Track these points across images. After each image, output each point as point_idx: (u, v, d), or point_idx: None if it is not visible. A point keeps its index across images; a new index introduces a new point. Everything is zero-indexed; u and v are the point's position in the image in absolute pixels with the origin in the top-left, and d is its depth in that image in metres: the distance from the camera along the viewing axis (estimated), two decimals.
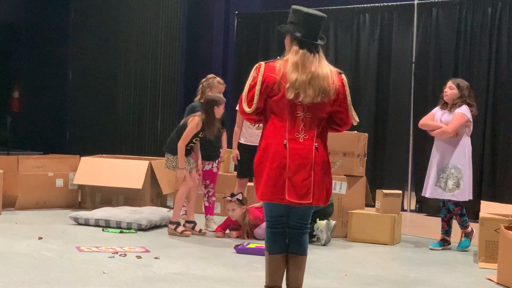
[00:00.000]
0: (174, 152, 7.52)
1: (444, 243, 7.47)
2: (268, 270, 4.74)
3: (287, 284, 4.75)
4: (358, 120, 4.78)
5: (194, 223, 7.75)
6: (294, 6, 4.75)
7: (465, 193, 7.31)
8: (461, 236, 7.45)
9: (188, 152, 7.61)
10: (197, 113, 7.52)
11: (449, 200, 7.35)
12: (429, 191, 7.44)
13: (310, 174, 4.55)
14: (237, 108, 8.21)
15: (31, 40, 15.35)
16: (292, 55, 4.63)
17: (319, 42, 4.70)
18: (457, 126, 7.32)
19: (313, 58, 4.63)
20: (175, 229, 7.56)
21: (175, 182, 9.11)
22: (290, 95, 4.53)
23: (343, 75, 4.74)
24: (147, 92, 12.86)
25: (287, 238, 4.76)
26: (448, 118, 7.43)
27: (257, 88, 4.56)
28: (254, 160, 4.67)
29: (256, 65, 4.66)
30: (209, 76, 8.10)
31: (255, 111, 4.61)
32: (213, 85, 7.97)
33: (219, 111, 7.47)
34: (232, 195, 7.68)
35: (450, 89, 7.49)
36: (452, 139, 7.38)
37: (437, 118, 7.55)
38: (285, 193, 4.53)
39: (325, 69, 4.63)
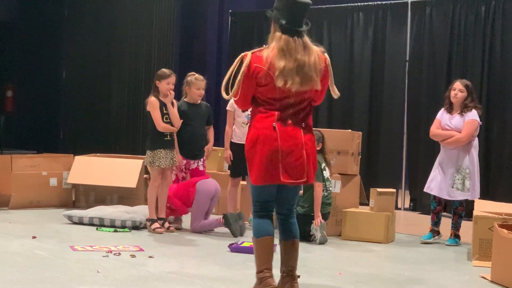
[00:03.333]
0: (149, 147, 7.64)
1: (434, 234, 7.62)
2: (256, 254, 4.76)
3: (285, 268, 4.81)
4: (338, 93, 4.85)
5: (164, 220, 7.76)
6: None
7: (475, 192, 7.47)
8: (451, 234, 7.53)
9: (167, 145, 7.63)
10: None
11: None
12: (446, 193, 7.49)
13: (302, 153, 4.66)
14: (228, 108, 8.23)
15: (25, 39, 15.30)
16: (277, 41, 4.66)
17: (304, 28, 4.71)
18: (471, 133, 7.41)
19: (297, 45, 4.65)
20: (150, 226, 7.61)
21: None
22: (280, 83, 4.60)
23: (326, 54, 4.79)
24: (141, 91, 12.82)
25: (278, 225, 4.84)
26: (459, 123, 7.46)
27: (239, 77, 4.62)
28: (245, 148, 4.76)
29: (242, 54, 4.69)
30: (189, 74, 8.10)
31: (237, 97, 4.72)
32: (191, 83, 8.00)
33: (162, 86, 7.62)
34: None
35: (460, 92, 7.52)
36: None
37: (445, 123, 7.56)
38: (280, 175, 4.61)
39: (312, 56, 4.67)
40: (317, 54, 4.72)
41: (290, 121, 4.66)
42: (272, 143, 4.62)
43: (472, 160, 7.44)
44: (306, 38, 4.73)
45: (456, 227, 7.54)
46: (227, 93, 4.71)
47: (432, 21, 10.19)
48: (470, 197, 7.45)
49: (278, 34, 4.68)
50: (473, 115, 7.42)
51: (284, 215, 4.85)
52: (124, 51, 13.21)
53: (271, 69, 4.60)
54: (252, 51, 4.71)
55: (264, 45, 4.82)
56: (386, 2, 10.68)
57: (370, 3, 10.89)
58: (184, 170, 8.03)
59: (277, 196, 4.82)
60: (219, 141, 10.27)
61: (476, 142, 7.52)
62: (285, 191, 4.80)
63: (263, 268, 4.74)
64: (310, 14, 4.82)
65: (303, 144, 4.67)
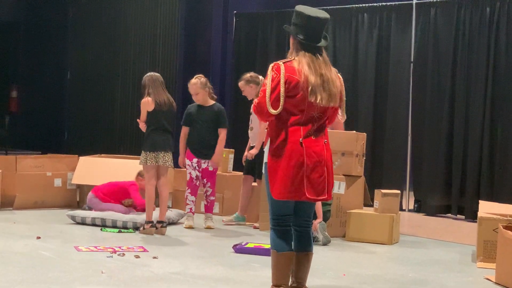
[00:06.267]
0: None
1: None
2: (276, 269, 4.72)
3: (296, 280, 4.78)
4: (345, 117, 4.86)
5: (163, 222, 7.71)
6: (297, 8, 4.73)
7: None
8: None
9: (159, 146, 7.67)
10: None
11: None
12: None
13: (324, 170, 4.67)
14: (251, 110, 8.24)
15: (30, 40, 15.33)
16: (302, 57, 4.64)
17: (322, 43, 4.71)
18: None
19: (320, 61, 4.66)
20: (149, 227, 7.51)
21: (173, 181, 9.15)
22: (312, 98, 4.58)
23: (339, 74, 4.82)
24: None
25: (293, 236, 4.80)
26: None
27: (282, 89, 4.56)
28: (267, 158, 4.68)
29: (272, 65, 4.63)
30: None
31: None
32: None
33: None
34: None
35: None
36: None
37: None
38: (305, 191, 4.59)
39: (333, 73, 4.70)
40: (336, 74, 4.75)
41: (314, 137, 4.65)
42: (298, 158, 4.58)
43: None
44: (325, 54, 4.73)
45: None
46: (274, 108, 4.56)
47: (436, 22, 10.17)
48: None
49: (301, 50, 4.65)
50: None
51: (300, 227, 4.82)
52: (128, 52, 13.22)
53: (305, 82, 4.58)
54: (282, 61, 4.64)
55: (289, 57, 4.70)
56: (391, 3, 10.67)
57: (375, 4, 10.87)
58: (197, 168, 8.04)
59: (295, 208, 4.79)
60: (228, 143, 10.27)
61: None
62: (304, 203, 4.77)
63: (281, 283, 4.72)
64: None
65: (326, 161, 4.67)
